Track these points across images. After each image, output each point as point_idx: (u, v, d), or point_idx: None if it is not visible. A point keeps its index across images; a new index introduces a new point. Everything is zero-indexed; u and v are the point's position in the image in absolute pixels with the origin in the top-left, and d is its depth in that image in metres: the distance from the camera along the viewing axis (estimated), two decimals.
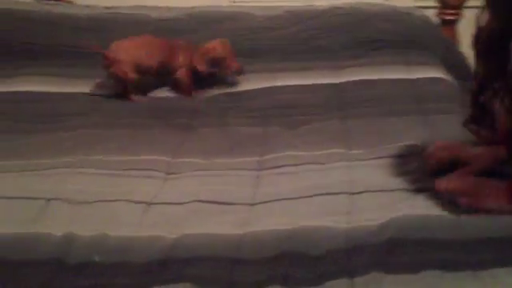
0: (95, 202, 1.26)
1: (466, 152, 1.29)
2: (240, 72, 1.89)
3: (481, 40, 1.12)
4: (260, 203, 1.27)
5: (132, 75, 1.82)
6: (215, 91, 1.90)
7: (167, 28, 2.20)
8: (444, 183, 1.18)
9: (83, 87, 1.91)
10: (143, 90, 1.91)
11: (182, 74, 1.89)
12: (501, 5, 1.07)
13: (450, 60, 2.06)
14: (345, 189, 1.28)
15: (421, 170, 1.31)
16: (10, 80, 1.94)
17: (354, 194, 1.26)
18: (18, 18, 2.22)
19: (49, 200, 1.26)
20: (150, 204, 1.27)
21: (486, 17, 1.10)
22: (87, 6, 2.43)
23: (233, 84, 1.91)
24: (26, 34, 2.16)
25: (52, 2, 2.59)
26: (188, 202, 1.27)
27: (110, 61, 1.82)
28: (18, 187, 1.32)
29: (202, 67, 1.87)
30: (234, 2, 2.65)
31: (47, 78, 1.95)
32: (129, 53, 1.83)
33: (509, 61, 1.07)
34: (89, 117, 1.71)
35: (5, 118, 1.71)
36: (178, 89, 1.90)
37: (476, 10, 1.16)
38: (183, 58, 1.91)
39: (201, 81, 1.92)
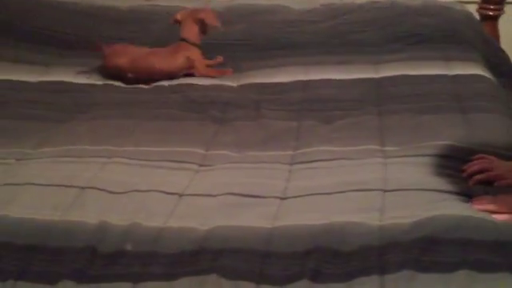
0: (129, 191, 1.28)
1: (499, 169, 1.27)
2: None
3: None
4: (292, 197, 1.27)
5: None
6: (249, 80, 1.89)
7: None
8: (479, 204, 1.17)
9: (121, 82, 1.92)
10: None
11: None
12: None
13: (491, 56, 2.01)
14: (378, 186, 1.26)
15: (459, 172, 1.29)
16: (49, 69, 1.98)
17: (387, 191, 1.25)
18: (61, 10, 2.26)
19: (83, 188, 1.28)
20: (181, 195, 1.28)
21: None
22: None
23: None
24: (69, 25, 2.21)
25: None
26: (220, 195, 1.27)
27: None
28: (53, 174, 1.35)
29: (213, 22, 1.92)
30: None
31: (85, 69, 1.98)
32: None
33: None
34: (124, 107, 1.73)
35: (42, 106, 1.75)
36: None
37: None
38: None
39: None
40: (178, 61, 1.89)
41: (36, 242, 1.12)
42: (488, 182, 1.26)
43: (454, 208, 1.15)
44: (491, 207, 1.15)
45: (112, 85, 1.90)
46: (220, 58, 1.94)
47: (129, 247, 1.11)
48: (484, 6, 2.26)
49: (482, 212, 1.14)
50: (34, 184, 1.30)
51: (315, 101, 1.74)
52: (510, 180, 1.25)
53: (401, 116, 1.59)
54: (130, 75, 1.87)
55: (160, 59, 1.90)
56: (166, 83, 1.87)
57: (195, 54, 1.90)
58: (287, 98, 1.76)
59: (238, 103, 1.75)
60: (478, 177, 1.27)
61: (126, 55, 1.88)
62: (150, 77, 1.87)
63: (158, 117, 1.66)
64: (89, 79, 1.92)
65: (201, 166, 1.41)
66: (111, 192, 1.28)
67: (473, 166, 1.29)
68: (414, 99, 1.68)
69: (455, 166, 1.31)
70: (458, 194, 1.22)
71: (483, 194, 1.20)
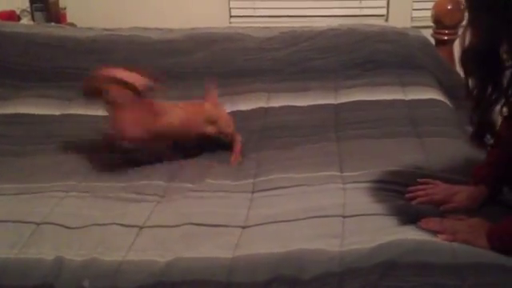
0: (87, 226, 1.26)
1: (442, 194, 1.30)
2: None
3: (468, 59, 1.13)
4: (253, 226, 1.27)
5: None
6: None
7: (166, 49, 2.22)
8: (425, 224, 1.19)
9: (84, 110, 1.90)
10: None
11: None
12: (481, 23, 1.08)
13: (446, 80, 2.06)
14: (338, 212, 1.28)
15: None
16: (9, 102, 1.95)
17: (346, 217, 1.26)
18: (21, 41, 2.24)
19: (39, 224, 1.26)
20: (142, 227, 1.27)
21: (469, 36, 1.11)
22: (89, 28, 2.46)
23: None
24: (28, 56, 2.18)
25: (53, 24, 2.63)
26: (180, 225, 1.27)
27: None
28: (10, 210, 1.33)
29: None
30: (230, 23, 2.67)
31: (47, 100, 1.96)
32: None
33: (500, 72, 1.09)
34: (85, 140, 1.71)
35: (3, 140, 1.72)
36: None
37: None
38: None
39: None
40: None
41: None
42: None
43: (411, 232, 1.17)
44: (436, 228, 1.17)
45: (69, 115, 1.88)
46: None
47: (86, 284, 1.09)
48: (439, 30, 2.32)
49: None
50: None
51: (274, 128, 1.75)
52: (456, 204, 1.28)
53: (359, 141, 1.62)
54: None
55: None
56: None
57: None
58: (248, 126, 1.77)
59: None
60: (422, 199, 1.29)
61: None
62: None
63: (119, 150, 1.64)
64: (46, 109, 1.88)
65: (162, 197, 1.41)
66: (68, 227, 1.26)
67: (417, 192, 1.31)
68: (371, 125, 1.71)
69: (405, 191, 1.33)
70: (413, 218, 1.23)
71: (435, 215, 1.22)
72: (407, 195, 1.31)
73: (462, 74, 1.23)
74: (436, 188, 1.32)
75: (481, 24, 1.08)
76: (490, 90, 1.12)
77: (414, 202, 1.29)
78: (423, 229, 1.17)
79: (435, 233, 1.16)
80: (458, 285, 1.03)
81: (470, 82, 1.16)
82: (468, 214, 1.22)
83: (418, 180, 1.35)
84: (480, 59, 1.11)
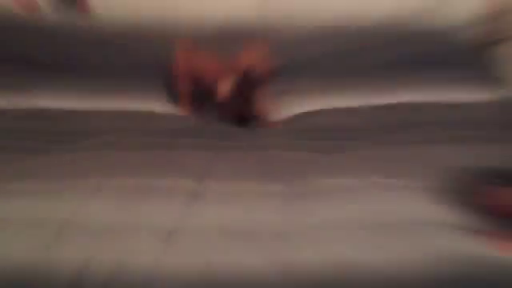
0: (114, 228, 1.18)
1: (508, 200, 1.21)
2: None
3: None
4: (290, 232, 1.18)
5: None
6: None
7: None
8: (495, 242, 1.10)
9: (107, 104, 1.83)
10: None
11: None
12: None
13: (495, 81, 1.95)
14: (382, 220, 1.20)
15: (463, 204, 1.22)
16: (32, 94, 1.86)
17: (393, 226, 1.18)
18: (43, 35, 2.16)
19: (64, 225, 1.18)
20: (172, 232, 1.18)
21: None
22: (113, 20, 2.37)
23: None
24: (44, 49, 2.09)
25: (77, 15, 2.55)
26: (213, 230, 1.18)
27: None
28: (33, 211, 1.24)
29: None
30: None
31: (72, 94, 1.88)
32: None
33: None
34: (109, 136, 1.62)
35: (24, 136, 1.63)
36: None
37: None
38: None
39: None
40: None
41: (17, 284, 1.04)
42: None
43: (461, 245, 1.11)
44: (498, 244, 1.09)
45: (93, 111, 1.80)
46: None
47: None
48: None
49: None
50: (11, 221, 1.20)
51: (314, 130, 1.66)
52: None
53: (403, 147, 1.51)
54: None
55: None
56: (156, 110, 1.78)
57: None
58: (286, 128, 1.68)
59: (234, 131, 1.66)
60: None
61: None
62: None
63: (149, 146, 1.55)
64: (70, 104, 1.81)
65: (193, 198, 1.31)
66: (94, 229, 1.18)
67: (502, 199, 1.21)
68: (420, 128, 1.61)
69: (464, 199, 1.24)
70: (466, 228, 1.16)
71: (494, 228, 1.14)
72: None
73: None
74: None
75: None
76: None
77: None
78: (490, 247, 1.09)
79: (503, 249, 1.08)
80: None
81: None
82: None
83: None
84: None
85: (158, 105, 1.78)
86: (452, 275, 1.02)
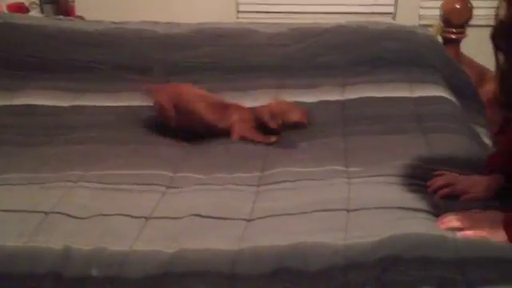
0: (94, 216, 1.28)
1: (462, 184, 1.31)
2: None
3: (502, 32, 1.10)
4: (258, 219, 1.28)
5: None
6: None
7: (173, 43, 2.23)
8: (443, 224, 1.19)
9: (90, 101, 1.93)
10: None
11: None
12: None
13: (453, 78, 2.07)
14: (343, 205, 1.29)
15: (419, 190, 1.32)
16: (19, 93, 1.96)
17: (351, 210, 1.27)
18: (31, 33, 2.26)
19: (48, 213, 1.28)
20: (148, 218, 1.28)
21: (504, 10, 1.09)
22: (97, 22, 2.47)
23: None
24: (37, 48, 2.20)
25: (62, 17, 2.65)
26: (186, 217, 1.28)
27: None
28: (19, 200, 1.34)
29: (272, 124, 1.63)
30: (238, 18, 2.67)
31: (57, 92, 1.97)
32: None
33: None
34: (93, 131, 1.72)
35: (13, 130, 1.74)
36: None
37: (481, 29, 1.15)
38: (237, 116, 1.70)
39: None
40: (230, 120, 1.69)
41: (1, 269, 1.11)
42: (453, 196, 1.29)
43: (415, 226, 1.18)
44: (456, 224, 1.17)
45: (79, 106, 1.89)
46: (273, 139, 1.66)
47: (94, 272, 1.11)
48: (447, 29, 2.32)
49: (445, 230, 1.17)
50: None
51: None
52: (474, 194, 1.28)
53: (365, 137, 1.63)
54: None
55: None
56: (136, 105, 1.87)
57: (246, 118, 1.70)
58: None
59: None
60: (444, 191, 1.29)
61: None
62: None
63: (126, 141, 1.66)
64: (55, 101, 1.91)
65: (168, 188, 1.42)
66: (76, 217, 1.27)
67: (438, 181, 1.32)
68: (377, 121, 1.71)
69: (416, 185, 1.34)
70: (419, 211, 1.24)
71: (445, 210, 1.23)
72: (430, 189, 1.31)
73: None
74: (456, 178, 1.32)
75: None
76: None
77: (437, 195, 1.29)
78: (444, 228, 1.17)
79: (455, 230, 1.16)
80: (461, 279, 1.04)
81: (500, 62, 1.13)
82: (483, 206, 1.23)
83: (435, 173, 1.35)
84: None
85: (138, 101, 1.88)
86: (405, 255, 1.09)
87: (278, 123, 1.62)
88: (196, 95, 1.71)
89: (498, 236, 1.13)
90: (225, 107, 1.71)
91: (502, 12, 1.09)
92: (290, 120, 1.62)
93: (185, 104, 1.65)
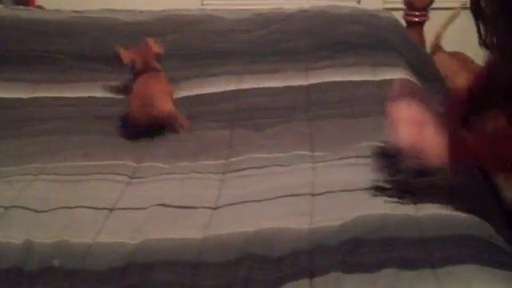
0: (56, 208, 1.26)
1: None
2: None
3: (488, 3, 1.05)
4: (223, 206, 1.28)
5: None
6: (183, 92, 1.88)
7: (136, 32, 2.19)
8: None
9: (49, 92, 1.88)
10: None
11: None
12: None
13: (417, 61, 2.08)
14: (307, 190, 1.29)
15: (382, 170, 1.33)
16: None
17: (315, 195, 1.27)
18: None
19: (8, 208, 1.25)
20: (112, 210, 1.27)
21: None
22: (57, 11, 2.42)
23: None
24: None
25: (21, 6, 2.58)
26: (150, 207, 1.27)
27: None
28: None
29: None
30: (202, 5, 2.65)
31: (14, 84, 1.93)
32: None
33: None
34: (53, 123, 1.69)
35: None
36: None
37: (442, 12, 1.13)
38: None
39: None
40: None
41: None
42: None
43: (378, 207, 1.19)
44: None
45: (38, 98, 1.85)
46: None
47: (56, 263, 1.09)
48: (409, 12, 2.34)
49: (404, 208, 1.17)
50: None
51: (247, 110, 1.75)
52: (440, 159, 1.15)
53: (329, 121, 1.63)
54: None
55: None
56: (98, 96, 1.85)
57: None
58: (219, 108, 1.77)
59: None
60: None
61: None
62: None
63: (87, 132, 1.64)
64: (13, 93, 1.86)
65: (131, 178, 1.40)
66: (36, 210, 1.25)
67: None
68: (341, 104, 1.72)
69: (380, 165, 1.34)
70: (382, 190, 1.25)
71: (403, 190, 1.23)
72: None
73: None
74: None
75: None
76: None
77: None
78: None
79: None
80: (424, 258, 1.06)
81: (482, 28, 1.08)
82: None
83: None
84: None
85: (99, 92, 1.84)
86: (368, 237, 1.10)
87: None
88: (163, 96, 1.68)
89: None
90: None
91: None
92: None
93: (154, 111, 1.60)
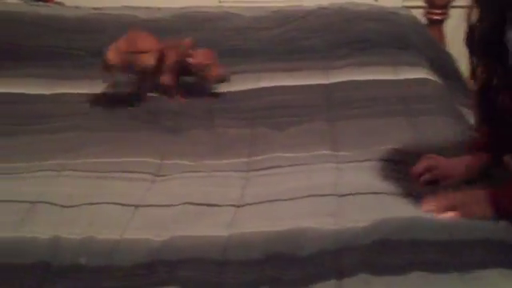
0: (81, 204, 1.26)
1: (443, 167, 1.30)
2: (223, 80, 1.82)
3: (474, 38, 1.11)
4: (247, 205, 1.27)
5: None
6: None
7: (154, 28, 2.18)
8: (430, 206, 1.19)
9: (70, 89, 1.89)
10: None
11: (166, 79, 1.84)
12: (489, 1, 1.06)
13: (437, 60, 2.07)
14: (332, 191, 1.28)
15: (408, 174, 1.32)
16: None
17: (341, 195, 1.27)
18: (6, 19, 2.21)
19: (33, 203, 1.26)
20: (137, 206, 1.26)
21: (475, 14, 1.08)
22: (76, 7, 2.43)
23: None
24: (13, 35, 2.15)
25: (40, 3, 2.59)
26: (176, 205, 1.27)
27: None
28: (3, 190, 1.31)
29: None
30: (220, 2, 2.65)
31: (36, 80, 1.94)
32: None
33: (507, 55, 1.04)
34: (75, 119, 1.69)
35: None
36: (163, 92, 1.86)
37: (463, 10, 1.15)
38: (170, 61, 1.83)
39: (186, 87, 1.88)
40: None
41: None
42: (435, 181, 1.29)
43: (405, 210, 1.18)
44: (434, 207, 1.17)
45: (60, 94, 1.86)
46: None
47: (83, 261, 1.09)
48: (430, 10, 2.32)
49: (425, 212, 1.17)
50: None
51: (267, 108, 1.75)
52: (455, 177, 1.28)
53: (352, 121, 1.62)
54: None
55: None
56: (116, 94, 1.85)
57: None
58: (240, 106, 1.77)
59: (190, 112, 1.74)
60: (425, 177, 1.30)
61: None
62: None
63: (110, 128, 1.64)
64: (35, 89, 1.87)
65: (156, 176, 1.40)
66: (64, 205, 1.25)
67: (418, 168, 1.32)
68: (363, 104, 1.71)
69: (405, 169, 1.34)
70: (408, 196, 1.24)
71: (431, 194, 1.23)
72: (411, 176, 1.31)
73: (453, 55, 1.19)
74: (437, 162, 1.32)
75: (488, 2, 1.06)
76: (496, 72, 1.09)
77: (419, 184, 1.29)
78: (424, 211, 1.17)
79: (439, 212, 1.16)
80: (453, 262, 1.05)
81: (474, 65, 1.13)
82: (469, 186, 1.23)
83: (420, 158, 1.35)
84: (487, 39, 1.07)
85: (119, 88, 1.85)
86: (397, 238, 1.09)
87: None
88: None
89: (486, 213, 1.13)
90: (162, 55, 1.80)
91: (473, 16, 1.09)
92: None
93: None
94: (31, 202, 1.26)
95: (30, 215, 1.22)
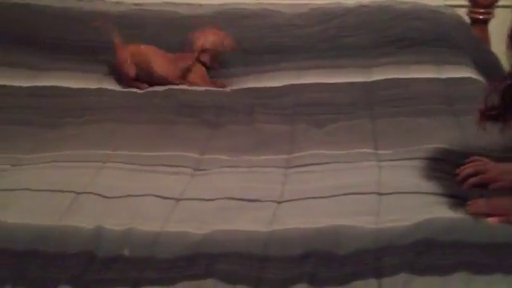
0: (124, 196, 1.28)
1: (491, 172, 1.28)
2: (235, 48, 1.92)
3: None
4: (288, 201, 1.27)
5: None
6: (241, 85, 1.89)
7: (195, 25, 2.20)
8: (478, 208, 1.16)
9: (111, 83, 1.93)
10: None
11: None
12: None
13: (481, 60, 2.03)
14: (373, 189, 1.27)
15: (452, 174, 1.30)
16: (43, 74, 1.97)
17: (382, 194, 1.25)
18: (52, 15, 2.25)
19: (79, 193, 1.28)
20: (178, 200, 1.28)
21: None
22: (117, 3, 2.46)
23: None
24: (58, 29, 2.19)
25: None
26: (216, 199, 1.27)
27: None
28: (46, 180, 1.34)
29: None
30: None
31: (81, 74, 1.97)
32: None
33: None
34: (116, 112, 1.73)
35: (33, 111, 1.74)
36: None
37: (509, 10, 1.13)
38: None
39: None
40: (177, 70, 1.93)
41: (32, 248, 1.12)
42: (482, 185, 1.27)
43: (448, 211, 1.16)
44: (485, 210, 1.15)
45: (105, 89, 1.90)
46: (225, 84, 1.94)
47: (126, 252, 1.11)
48: (474, 9, 2.28)
49: (476, 215, 1.15)
50: (29, 189, 1.29)
51: (307, 105, 1.75)
52: (504, 182, 1.26)
53: (393, 119, 1.61)
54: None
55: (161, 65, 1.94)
56: (159, 88, 1.88)
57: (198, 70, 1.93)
58: (280, 103, 1.77)
59: (231, 108, 1.75)
60: (472, 180, 1.27)
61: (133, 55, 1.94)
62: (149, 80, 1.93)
63: (152, 121, 1.66)
64: (81, 83, 1.91)
65: (196, 170, 1.41)
66: (107, 197, 1.27)
67: (466, 169, 1.30)
68: (405, 102, 1.69)
69: (449, 169, 1.32)
70: (451, 196, 1.22)
71: (478, 196, 1.21)
72: (458, 178, 1.29)
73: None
74: (486, 165, 1.30)
75: None
76: None
77: (465, 186, 1.27)
78: (472, 212, 1.15)
79: (485, 216, 1.14)
80: (495, 264, 1.03)
81: None
82: None
83: (466, 160, 1.33)
84: None
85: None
86: (440, 239, 1.08)
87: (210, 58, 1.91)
88: (153, 53, 1.95)
89: None
90: (177, 60, 1.94)
91: None
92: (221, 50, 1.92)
93: (143, 59, 1.92)
94: (77, 193, 1.28)
95: (76, 205, 1.25)
